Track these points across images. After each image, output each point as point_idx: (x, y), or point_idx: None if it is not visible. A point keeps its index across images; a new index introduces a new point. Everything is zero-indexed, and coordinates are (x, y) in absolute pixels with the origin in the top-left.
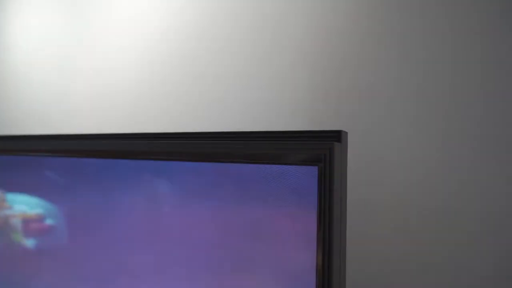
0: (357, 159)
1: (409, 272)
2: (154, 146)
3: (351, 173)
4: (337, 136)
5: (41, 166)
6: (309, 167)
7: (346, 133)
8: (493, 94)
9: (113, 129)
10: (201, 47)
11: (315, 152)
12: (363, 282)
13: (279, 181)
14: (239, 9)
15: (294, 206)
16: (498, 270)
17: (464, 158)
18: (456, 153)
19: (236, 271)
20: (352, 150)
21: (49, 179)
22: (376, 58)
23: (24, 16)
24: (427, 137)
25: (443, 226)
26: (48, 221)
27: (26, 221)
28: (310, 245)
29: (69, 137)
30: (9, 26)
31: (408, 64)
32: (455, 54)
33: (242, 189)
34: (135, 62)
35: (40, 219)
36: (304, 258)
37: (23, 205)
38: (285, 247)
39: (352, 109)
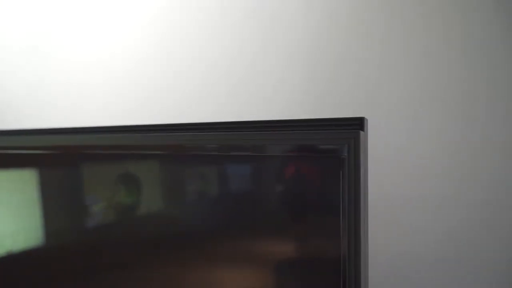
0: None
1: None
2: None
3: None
4: (360, 124)
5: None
6: (331, 159)
7: (367, 120)
8: None
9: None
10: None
11: (337, 142)
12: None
13: (297, 174)
14: None
15: (315, 201)
16: None
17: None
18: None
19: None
20: None
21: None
22: (379, 55)
23: None
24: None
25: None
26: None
27: None
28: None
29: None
30: None
31: (410, 60)
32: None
33: (249, 184)
34: (117, 52)
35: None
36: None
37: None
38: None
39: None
